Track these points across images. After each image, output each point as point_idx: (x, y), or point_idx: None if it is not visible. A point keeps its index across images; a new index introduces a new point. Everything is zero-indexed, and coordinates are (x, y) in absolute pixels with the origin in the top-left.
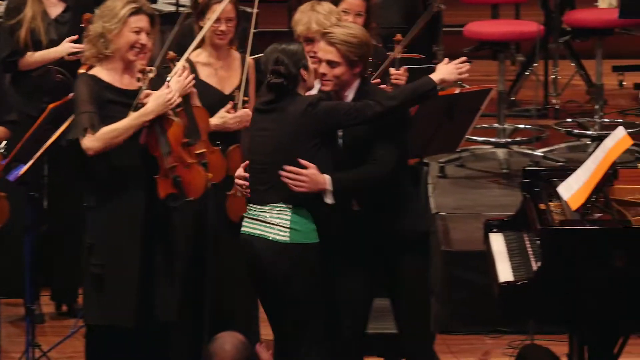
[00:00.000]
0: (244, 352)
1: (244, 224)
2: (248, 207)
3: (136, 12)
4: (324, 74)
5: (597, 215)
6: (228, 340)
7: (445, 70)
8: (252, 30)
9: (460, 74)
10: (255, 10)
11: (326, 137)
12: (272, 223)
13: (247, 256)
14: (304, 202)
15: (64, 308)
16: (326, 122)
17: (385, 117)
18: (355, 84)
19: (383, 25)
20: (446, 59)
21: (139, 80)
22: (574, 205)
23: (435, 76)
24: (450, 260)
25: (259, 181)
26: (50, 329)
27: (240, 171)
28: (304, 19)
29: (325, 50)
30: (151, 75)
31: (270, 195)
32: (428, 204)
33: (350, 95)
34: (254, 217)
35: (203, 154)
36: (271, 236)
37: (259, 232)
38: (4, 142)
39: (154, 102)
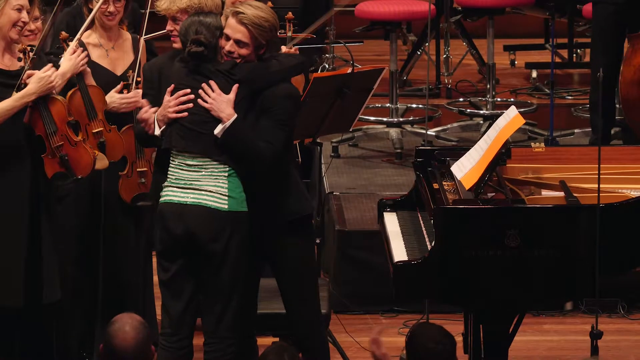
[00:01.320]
0: (144, 332)
1: (168, 193)
2: (172, 174)
3: None
4: (230, 52)
5: (490, 195)
6: (127, 322)
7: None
8: (147, 11)
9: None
10: None
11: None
12: (210, 190)
13: (172, 225)
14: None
15: None
16: (254, 79)
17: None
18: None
19: (276, 5)
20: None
21: (20, 60)
22: (467, 185)
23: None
24: (344, 240)
25: (192, 141)
26: None
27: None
28: None
29: (234, 29)
30: (32, 54)
31: (202, 155)
32: (321, 184)
33: None
34: (185, 185)
35: (100, 132)
36: (210, 203)
37: (193, 200)
38: None
39: (35, 83)
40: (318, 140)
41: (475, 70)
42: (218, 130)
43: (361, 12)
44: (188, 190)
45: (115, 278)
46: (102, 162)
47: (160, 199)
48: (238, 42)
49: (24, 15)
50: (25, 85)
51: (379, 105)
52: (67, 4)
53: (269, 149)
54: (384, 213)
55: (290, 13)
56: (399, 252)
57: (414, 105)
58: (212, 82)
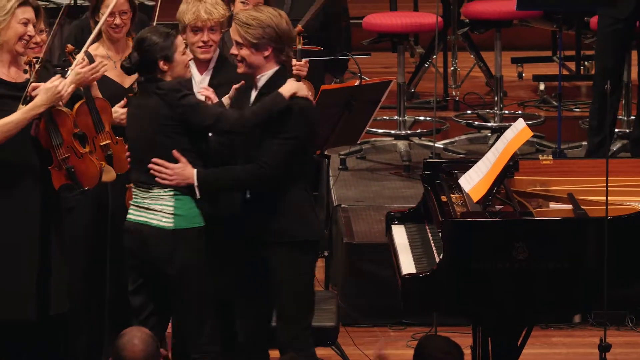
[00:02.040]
0: (153, 345)
1: (129, 211)
2: (133, 194)
3: (23, 3)
4: (234, 54)
5: (498, 207)
6: (136, 335)
7: (294, 86)
8: (154, 23)
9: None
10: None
11: (194, 132)
12: (156, 210)
13: (132, 243)
14: (185, 190)
15: None
16: (186, 115)
17: (239, 134)
18: (270, 70)
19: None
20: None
21: (25, 72)
22: (476, 197)
23: (284, 91)
24: (352, 253)
25: (140, 166)
26: None
27: None
28: (191, 9)
29: (232, 31)
30: (38, 67)
31: (152, 179)
32: (329, 196)
33: (262, 80)
34: (139, 204)
35: (107, 145)
36: (155, 222)
37: (143, 219)
38: None
39: (43, 94)
40: (326, 153)
41: (482, 82)
42: (198, 195)
43: (369, 24)
44: (142, 210)
45: (123, 290)
46: (109, 175)
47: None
48: (237, 43)
49: (30, 29)
50: (31, 97)
51: (387, 118)
52: (75, 16)
53: (260, 168)
54: (392, 226)
55: (299, 26)
56: (407, 264)
57: (422, 118)
58: (156, 160)
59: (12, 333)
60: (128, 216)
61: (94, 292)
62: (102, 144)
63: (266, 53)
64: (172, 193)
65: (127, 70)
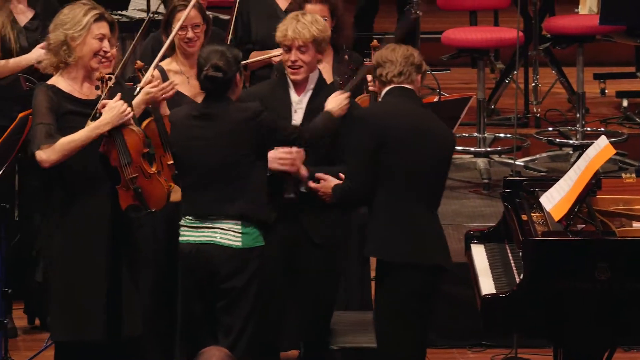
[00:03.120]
0: None
1: (185, 233)
2: (187, 219)
3: (99, 18)
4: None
5: (580, 227)
6: (214, 354)
7: (335, 103)
8: (229, 37)
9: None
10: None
11: (263, 150)
12: (223, 228)
13: (192, 264)
14: (251, 216)
15: (37, 322)
16: (268, 136)
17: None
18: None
19: (360, 32)
20: (337, 92)
21: (97, 88)
22: (557, 216)
23: (329, 109)
24: None
25: (203, 193)
26: (24, 343)
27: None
28: (282, 27)
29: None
30: (110, 83)
31: (217, 206)
32: None
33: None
34: (199, 225)
35: (174, 164)
36: (223, 241)
37: (207, 238)
38: None
39: (107, 112)
40: None
41: (564, 99)
42: (302, 189)
43: (448, 39)
44: (202, 229)
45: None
46: (177, 194)
47: (180, 239)
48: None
49: (106, 44)
50: (101, 114)
51: (466, 135)
52: (149, 31)
53: (349, 188)
54: (472, 245)
55: (375, 41)
56: (487, 285)
57: (502, 135)
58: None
59: (81, 354)
60: (182, 239)
61: (164, 312)
62: (169, 162)
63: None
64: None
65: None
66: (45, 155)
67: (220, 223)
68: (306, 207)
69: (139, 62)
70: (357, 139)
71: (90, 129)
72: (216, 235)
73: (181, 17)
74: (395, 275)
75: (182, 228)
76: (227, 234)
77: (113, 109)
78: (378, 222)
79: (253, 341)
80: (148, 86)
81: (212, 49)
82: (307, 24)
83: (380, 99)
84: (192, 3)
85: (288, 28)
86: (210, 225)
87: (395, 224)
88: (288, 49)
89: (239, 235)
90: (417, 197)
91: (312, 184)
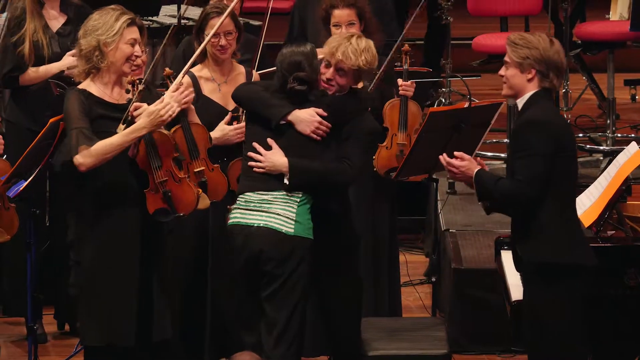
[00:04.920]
0: None
1: (236, 214)
2: (242, 198)
3: (130, 23)
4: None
5: (610, 233)
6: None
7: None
8: (261, 44)
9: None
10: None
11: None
12: (277, 213)
13: (241, 245)
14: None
15: (67, 327)
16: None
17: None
18: (529, 93)
19: (392, 37)
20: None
21: (127, 92)
22: (587, 222)
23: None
24: (460, 278)
25: (260, 182)
26: (53, 349)
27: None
28: (333, 43)
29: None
30: (141, 87)
31: (273, 182)
32: (437, 221)
33: (520, 103)
34: (251, 208)
35: (202, 172)
36: (276, 225)
37: (258, 221)
38: (4, 157)
39: (146, 117)
40: (434, 177)
41: (594, 105)
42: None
43: (479, 45)
44: (256, 213)
45: (223, 315)
46: (204, 202)
47: (229, 221)
48: (504, 63)
49: (137, 49)
50: (132, 118)
51: (496, 141)
52: (180, 37)
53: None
54: (501, 251)
55: (406, 45)
56: (517, 290)
57: None
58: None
59: (111, 359)
60: (233, 220)
61: (194, 317)
62: (196, 170)
63: (529, 75)
64: (298, 200)
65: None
66: (82, 158)
67: (276, 207)
68: (322, 212)
69: (167, 69)
70: (534, 143)
71: (126, 134)
72: (270, 219)
73: (214, 24)
74: (571, 277)
75: (234, 210)
76: (280, 218)
77: (152, 114)
78: (548, 225)
79: (296, 339)
80: (172, 92)
81: (290, 59)
82: (358, 51)
83: (524, 98)
84: (227, 11)
85: (339, 48)
86: (266, 210)
87: (566, 228)
88: (328, 64)
89: (292, 222)
90: (574, 200)
91: (446, 158)
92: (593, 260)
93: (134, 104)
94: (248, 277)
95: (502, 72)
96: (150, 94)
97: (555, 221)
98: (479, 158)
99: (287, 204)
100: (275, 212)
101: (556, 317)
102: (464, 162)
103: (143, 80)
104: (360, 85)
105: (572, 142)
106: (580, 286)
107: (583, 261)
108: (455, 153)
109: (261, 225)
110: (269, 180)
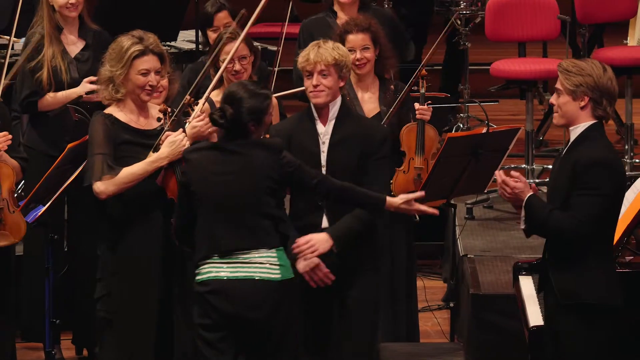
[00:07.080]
0: None
1: (211, 270)
2: (214, 257)
3: (141, 54)
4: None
5: (628, 258)
6: None
7: None
8: (276, 69)
9: None
10: (279, 47)
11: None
12: (260, 262)
13: (222, 303)
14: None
15: (85, 352)
16: (292, 175)
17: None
18: (584, 123)
19: (407, 61)
20: None
21: (159, 120)
22: None
23: None
24: (478, 304)
25: (236, 230)
26: None
27: None
28: (304, 53)
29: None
30: (174, 116)
31: (249, 241)
32: (455, 246)
33: (575, 133)
34: (235, 260)
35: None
36: (262, 275)
37: (243, 274)
38: (22, 183)
39: (167, 147)
40: (452, 202)
41: (613, 130)
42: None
43: (497, 70)
44: (235, 265)
45: None
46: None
47: (202, 276)
48: (556, 90)
49: (151, 78)
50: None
51: (514, 166)
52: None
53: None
54: (520, 276)
55: (424, 70)
56: (535, 316)
57: (551, 166)
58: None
59: None
60: (211, 275)
61: None
62: None
63: (582, 103)
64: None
65: (218, 125)
66: (104, 186)
67: (255, 257)
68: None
69: (187, 97)
70: (601, 184)
71: (148, 163)
72: (253, 270)
73: (229, 49)
74: (608, 318)
75: (204, 265)
76: (264, 267)
77: (173, 143)
78: (594, 265)
79: None
80: (194, 120)
81: (233, 91)
82: (328, 49)
83: (577, 127)
84: (241, 36)
85: (310, 53)
86: (243, 261)
87: (610, 270)
88: (310, 74)
89: (277, 267)
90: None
91: (502, 175)
92: (621, 300)
93: (167, 132)
94: (223, 331)
95: (553, 100)
96: (180, 124)
97: (599, 261)
98: (533, 184)
99: (269, 252)
100: (257, 262)
101: (590, 357)
102: (519, 184)
103: (178, 109)
104: (377, 109)
105: (626, 182)
106: (616, 325)
107: (620, 302)
108: (512, 173)
109: (244, 277)
110: (245, 240)
